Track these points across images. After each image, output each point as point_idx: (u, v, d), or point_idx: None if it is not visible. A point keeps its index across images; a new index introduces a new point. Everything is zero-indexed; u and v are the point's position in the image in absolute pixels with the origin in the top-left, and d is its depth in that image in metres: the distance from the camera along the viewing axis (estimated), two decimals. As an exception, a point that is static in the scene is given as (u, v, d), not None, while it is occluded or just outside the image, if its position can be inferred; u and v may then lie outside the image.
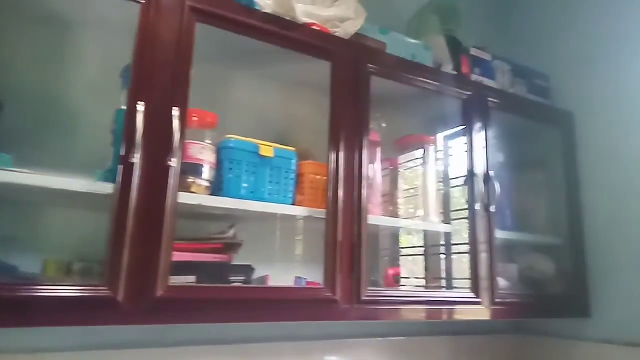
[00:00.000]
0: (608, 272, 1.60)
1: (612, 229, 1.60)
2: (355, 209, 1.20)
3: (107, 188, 0.94)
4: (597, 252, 1.64)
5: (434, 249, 1.68)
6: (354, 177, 1.22)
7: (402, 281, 1.59)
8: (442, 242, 1.67)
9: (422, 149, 1.57)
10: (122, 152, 0.94)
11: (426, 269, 1.69)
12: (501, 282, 1.46)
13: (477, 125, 1.51)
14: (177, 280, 1.01)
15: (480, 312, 1.37)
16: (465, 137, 1.49)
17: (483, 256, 1.39)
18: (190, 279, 1.06)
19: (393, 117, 1.53)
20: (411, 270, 1.71)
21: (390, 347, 1.54)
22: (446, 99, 1.52)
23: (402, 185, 1.47)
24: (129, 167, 0.94)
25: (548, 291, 1.63)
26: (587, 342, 1.60)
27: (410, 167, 1.56)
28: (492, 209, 1.43)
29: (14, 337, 1.04)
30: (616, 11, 1.70)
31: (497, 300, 1.39)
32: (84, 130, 1.17)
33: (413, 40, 1.52)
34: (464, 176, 1.46)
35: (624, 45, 1.65)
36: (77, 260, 1.07)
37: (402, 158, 1.57)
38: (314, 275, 1.32)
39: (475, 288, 1.36)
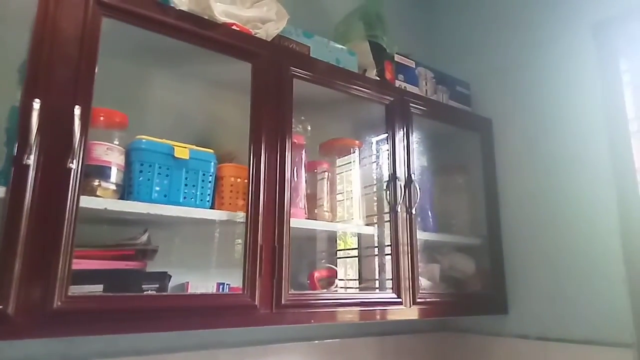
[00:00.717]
0: (523, 270, 1.69)
1: (527, 229, 1.70)
2: (277, 212, 1.19)
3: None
4: (514, 252, 1.73)
5: (366, 251, 1.70)
6: (276, 180, 1.21)
7: (337, 283, 1.60)
8: (375, 245, 1.70)
9: (346, 153, 1.59)
10: (15, 152, 0.87)
11: (359, 271, 1.71)
12: (423, 282, 1.50)
13: (400, 130, 1.55)
14: (80, 290, 0.94)
15: (403, 312, 1.39)
16: (388, 142, 1.52)
17: (405, 257, 1.43)
18: (96, 289, 1.00)
19: (320, 121, 1.54)
20: (345, 273, 1.72)
21: (319, 350, 1.54)
22: (371, 105, 1.55)
23: (329, 188, 1.47)
24: (22, 169, 0.87)
25: (469, 290, 1.70)
26: (505, 337, 1.69)
27: (340, 172, 1.58)
28: (414, 211, 1.47)
29: None
30: (532, 22, 1.81)
31: (418, 300, 1.42)
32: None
33: (338, 45, 1.54)
34: (386, 180, 1.49)
35: (538, 55, 1.77)
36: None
37: (330, 162, 1.58)
38: (238, 281, 1.30)
39: (397, 288, 1.39)
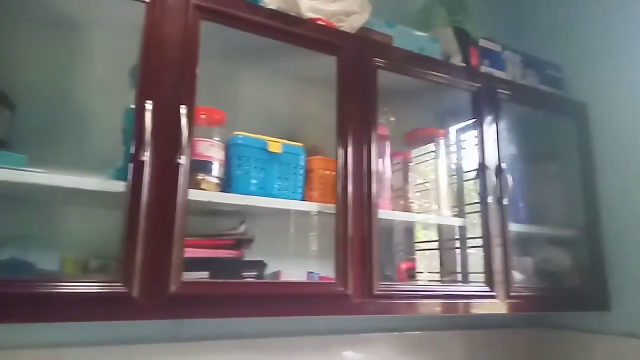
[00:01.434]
0: (628, 264, 1.56)
1: (630, 219, 1.57)
2: (365, 203, 1.20)
3: (119, 186, 0.95)
4: (616, 244, 1.60)
5: (448, 243, 1.66)
6: (363, 172, 1.22)
7: (418, 276, 1.58)
8: (457, 236, 1.66)
9: (434, 143, 1.57)
10: (132, 150, 0.96)
11: (441, 263, 1.68)
12: (516, 275, 1.44)
13: (488, 118, 1.49)
14: (190, 276, 1.02)
15: (496, 306, 1.35)
16: (476, 130, 1.47)
17: (497, 250, 1.38)
18: (203, 275, 1.07)
19: (403, 111, 1.53)
20: (427, 265, 1.70)
21: (405, 342, 1.53)
22: (456, 92, 1.51)
23: (414, 179, 1.45)
24: (139, 165, 0.95)
25: (565, 284, 1.60)
26: (607, 335, 1.57)
27: (423, 161, 1.55)
28: (505, 202, 1.41)
29: (34, 332, 1.06)
30: (631, 1, 1.66)
31: (512, 293, 1.37)
32: (95, 129, 1.19)
33: (420, 33, 1.51)
34: (476, 169, 1.44)
35: (638, 36, 1.61)
36: (94, 257, 1.09)
37: (413, 152, 1.56)
38: (327, 270, 1.32)
39: (489, 281, 1.35)
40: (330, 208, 1.19)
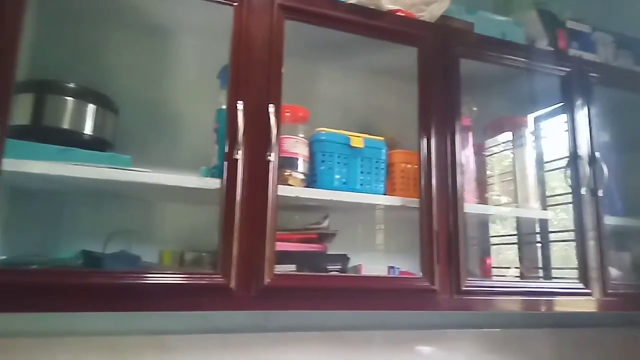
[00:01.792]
0: None
1: None
2: (450, 197, 1.17)
3: (215, 183, 1.00)
4: None
5: (528, 237, 1.59)
6: (447, 165, 1.19)
7: (494, 271, 1.53)
8: (538, 230, 1.58)
9: (514, 132, 1.50)
10: (226, 149, 1.00)
11: (520, 258, 1.61)
12: (613, 271, 1.35)
13: (579, 103, 1.40)
14: (279, 269, 1.05)
15: (590, 304, 1.28)
16: (565, 116, 1.39)
17: (591, 244, 1.30)
18: (291, 268, 1.10)
19: (484, 100, 1.47)
20: (502, 260, 1.64)
21: (488, 339, 1.49)
22: (541, 77, 1.43)
23: (494, 170, 1.40)
24: (233, 163, 1.00)
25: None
26: None
27: (501, 152, 1.49)
28: (600, 193, 1.32)
29: (139, 320, 1.15)
30: None
31: (609, 291, 1.29)
32: (187, 130, 1.26)
33: (502, 18, 1.44)
34: (566, 158, 1.36)
35: None
36: (188, 250, 1.16)
37: (491, 142, 1.50)
38: (407, 265, 1.32)
39: (584, 278, 1.27)
40: (413, 202, 1.18)
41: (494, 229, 1.66)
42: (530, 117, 1.55)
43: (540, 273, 1.53)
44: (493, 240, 1.64)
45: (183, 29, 1.27)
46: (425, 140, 1.19)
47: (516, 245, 1.63)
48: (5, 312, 0.87)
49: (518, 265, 1.55)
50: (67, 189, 1.09)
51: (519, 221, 1.60)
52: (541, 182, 1.49)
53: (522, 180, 1.40)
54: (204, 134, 1.16)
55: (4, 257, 0.94)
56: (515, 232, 1.64)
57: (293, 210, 1.26)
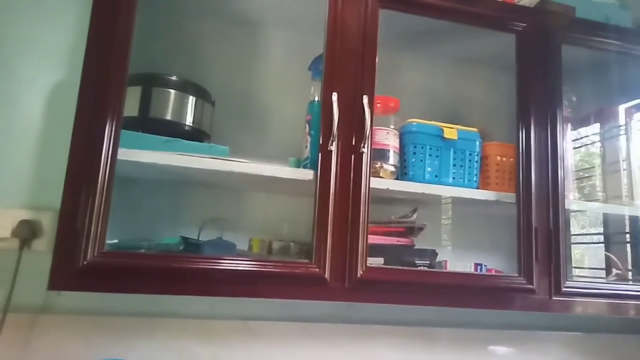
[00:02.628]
0: None
1: None
2: (551, 192, 1.10)
3: (308, 175, 1.01)
4: None
5: (618, 236, 1.48)
6: (548, 158, 1.12)
7: (576, 271, 1.44)
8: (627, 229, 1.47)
9: (614, 122, 1.39)
10: (321, 140, 1.00)
11: (607, 258, 1.50)
12: None
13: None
14: (369, 261, 1.04)
15: None
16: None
17: None
18: (379, 261, 1.09)
19: (583, 89, 1.37)
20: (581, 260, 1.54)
21: (576, 343, 1.41)
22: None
23: (601, 164, 1.30)
24: (328, 155, 0.99)
25: None
26: None
27: (599, 142, 1.39)
28: None
29: (227, 306, 1.19)
30: None
31: None
32: (277, 122, 1.28)
33: (606, 0, 1.33)
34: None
35: None
36: (276, 239, 1.18)
37: (590, 133, 1.40)
38: (493, 263, 1.27)
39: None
40: (509, 197, 1.12)
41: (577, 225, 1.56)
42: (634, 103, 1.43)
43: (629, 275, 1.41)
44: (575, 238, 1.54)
45: (274, 21, 1.28)
46: (523, 132, 1.13)
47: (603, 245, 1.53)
48: (118, 293, 0.92)
49: (618, 267, 1.44)
50: (167, 178, 1.14)
51: (607, 219, 1.49)
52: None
53: (630, 174, 1.29)
54: (293, 126, 1.17)
55: (116, 240, 1.01)
56: (602, 231, 1.53)
57: (381, 204, 1.24)
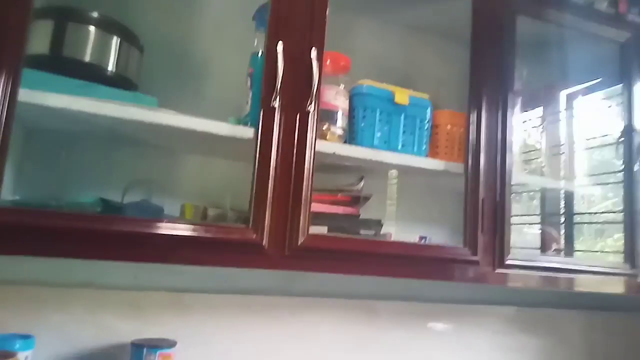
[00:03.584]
0: None
1: None
2: (499, 164, 1.08)
3: (248, 132, 0.91)
4: None
5: (554, 217, 1.52)
6: (498, 130, 1.10)
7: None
8: (562, 208, 1.51)
9: (560, 103, 1.40)
10: (263, 95, 0.91)
11: (542, 236, 1.54)
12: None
13: (637, 73, 1.29)
14: (311, 230, 0.97)
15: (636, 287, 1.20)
16: (622, 88, 1.29)
17: (641, 225, 1.21)
18: (322, 230, 1.02)
19: (533, 65, 1.36)
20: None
21: (519, 317, 1.44)
22: (597, 44, 1.32)
23: (546, 141, 1.31)
24: (270, 112, 0.90)
25: None
26: None
27: (556, 124, 1.39)
28: (657, 169, 1.23)
29: (159, 277, 1.09)
30: None
31: (656, 274, 1.21)
32: (216, 74, 1.16)
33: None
34: (621, 133, 1.26)
35: None
36: (212, 206, 1.08)
37: (538, 111, 1.40)
38: (438, 236, 1.25)
39: (630, 260, 1.20)
40: (457, 167, 1.09)
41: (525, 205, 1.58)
42: (586, 87, 1.45)
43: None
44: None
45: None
46: (475, 102, 1.09)
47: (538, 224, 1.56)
48: (17, 255, 0.79)
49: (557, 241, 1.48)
50: (84, 131, 1.00)
51: (544, 197, 1.52)
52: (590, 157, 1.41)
53: (572, 154, 1.31)
54: (234, 82, 1.06)
55: (18, 197, 0.87)
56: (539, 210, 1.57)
57: (325, 172, 1.17)
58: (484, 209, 1.06)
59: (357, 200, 1.14)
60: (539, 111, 1.40)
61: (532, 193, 1.53)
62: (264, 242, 0.88)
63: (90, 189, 0.99)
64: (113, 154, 1.08)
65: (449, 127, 1.13)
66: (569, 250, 1.49)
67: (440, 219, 1.32)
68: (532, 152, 1.33)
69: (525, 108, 1.34)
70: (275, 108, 0.91)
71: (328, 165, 1.13)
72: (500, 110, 1.11)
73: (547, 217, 1.54)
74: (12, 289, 0.96)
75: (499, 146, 1.09)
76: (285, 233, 0.90)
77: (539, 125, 1.32)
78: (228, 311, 1.13)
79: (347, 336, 1.24)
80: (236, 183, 1.11)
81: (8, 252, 0.75)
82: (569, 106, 1.45)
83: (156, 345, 0.94)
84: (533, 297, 1.48)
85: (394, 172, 1.24)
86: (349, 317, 1.25)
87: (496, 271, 1.05)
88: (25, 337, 0.90)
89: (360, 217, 1.12)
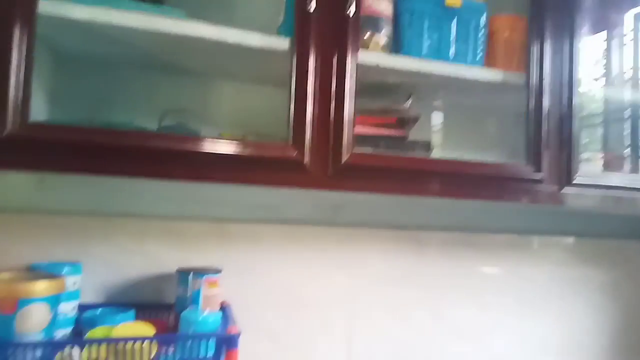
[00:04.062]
0: None
1: None
2: (567, 73, 0.96)
3: (283, 43, 0.84)
4: None
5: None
6: (564, 36, 0.96)
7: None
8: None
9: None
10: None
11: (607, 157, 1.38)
12: None
13: None
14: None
15: None
16: None
17: None
18: (367, 151, 0.95)
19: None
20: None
21: (579, 249, 1.33)
22: None
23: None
24: (305, 18, 0.82)
25: None
26: None
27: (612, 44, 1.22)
28: None
29: (202, 208, 1.07)
30: None
31: None
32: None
33: None
34: None
35: None
36: (250, 134, 1.02)
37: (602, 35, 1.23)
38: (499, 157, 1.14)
39: None
40: (518, 77, 0.97)
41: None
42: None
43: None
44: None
45: None
46: (537, 4, 0.96)
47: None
48: (54, 172, 0.76)
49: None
50: (116, 55, 0.96)
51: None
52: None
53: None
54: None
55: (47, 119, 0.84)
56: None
57: (369, 93, 1.08)
58: (549, 122, 0.94)
59: (404, 121, 1.05)
60: (602, 35, 1.23)
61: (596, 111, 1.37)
62: (306, 160, 0.82)
63: (124, 118, 0.96)
64: (146, 81, 1.03)
65: (507, 33, 1.00)
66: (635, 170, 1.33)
67: (497, 142, 1.20)
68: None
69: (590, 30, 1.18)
70: (310, 14, 0.82)
71: (371, 85, 1.04)
72: (567, 12, 0.96)
73: (611, 139, 1.39)
74: (60, 219, 0.97)
75: (566, 54, 0.96)
76: (327, 151, 0.83)
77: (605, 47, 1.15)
78: (273, 241, 1.10)
79: (394, 269, 1.19)
80: (275, 111, 1.05)
81: (45, 168, 0.73)
82: (636, 27, 1.27)
83: (202, 271, 0.93)
84: (596, 226, 1.36)
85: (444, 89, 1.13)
86: (397, 249, 1.19)
87: (562, 190, 0.95)
88: (73, 264, 0.90)
89: (409, 139, 1.04)
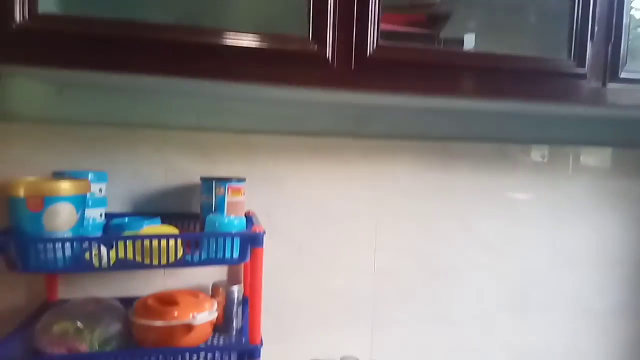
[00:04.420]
0: None
1: None
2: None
3: None
4: None
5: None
6: None
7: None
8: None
9: None
10: None
11: None
12: None
13: None
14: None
15: None
16: None
17: None
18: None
19: None
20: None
21: (619, 159, 1.26)
22: None
23: None
24: None
25: None
26: None
27: None
28: None
29: (226, 119, 1.04)
30: None
31: None
32: None
33: None
34: None
35: None
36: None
37: None
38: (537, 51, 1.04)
39: None
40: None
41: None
42: None
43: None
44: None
45: None
46: None
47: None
48: (68, 68, 0.73)
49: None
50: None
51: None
52: None
53: None
54: None
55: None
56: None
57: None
58: (595, 11, 0.85)
59: (434, 18, 0.97)
60: None
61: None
62: (328, 54, 0.77)
63: (139, 13, 0.91)
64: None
65: None
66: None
67: (538, 35, 1.09)
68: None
69: None
70: None
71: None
72: None
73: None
74: (83, 129, 0.96)
75: None
76: (351, 45, 0.78)
77: None
78: (296, 153, 1.08)
79: (421, 181, 1.15)
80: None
81: (58, 64, 0.70)
82: None
83: (226, 179, 0.91)
84: (636, 135, 1.27)
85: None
86: (424, 160, 1.15)
87: (607, 86, 0.87)
88: (98, 172, 0.90)
89: (442, 37, 0.96)
